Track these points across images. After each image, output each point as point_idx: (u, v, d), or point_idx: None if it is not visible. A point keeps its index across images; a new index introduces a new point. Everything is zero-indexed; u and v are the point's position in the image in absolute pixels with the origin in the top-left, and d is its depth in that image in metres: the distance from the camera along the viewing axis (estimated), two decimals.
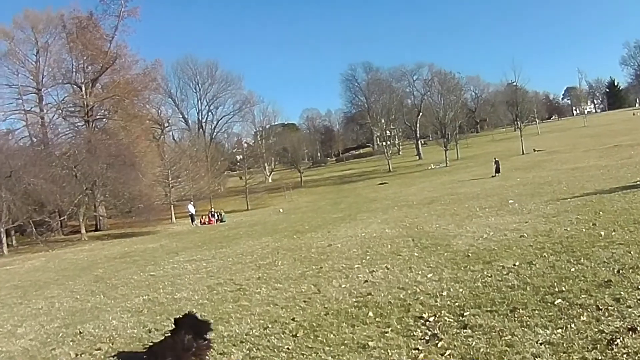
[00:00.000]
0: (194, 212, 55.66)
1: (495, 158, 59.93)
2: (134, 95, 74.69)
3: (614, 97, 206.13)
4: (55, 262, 31.82)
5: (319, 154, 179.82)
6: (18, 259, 38.36)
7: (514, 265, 12.24)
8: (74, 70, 73.57)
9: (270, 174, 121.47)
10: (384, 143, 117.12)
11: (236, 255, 21.64)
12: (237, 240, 29.60)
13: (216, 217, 56.91)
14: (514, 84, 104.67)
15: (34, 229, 48.99)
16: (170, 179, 67.10)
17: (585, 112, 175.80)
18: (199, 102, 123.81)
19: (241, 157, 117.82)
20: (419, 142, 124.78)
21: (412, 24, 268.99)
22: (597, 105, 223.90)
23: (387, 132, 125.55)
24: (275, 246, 23.09)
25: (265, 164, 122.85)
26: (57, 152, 57.61)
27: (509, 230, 17.55)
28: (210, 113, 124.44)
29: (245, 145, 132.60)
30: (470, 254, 14.28)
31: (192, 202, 60.06)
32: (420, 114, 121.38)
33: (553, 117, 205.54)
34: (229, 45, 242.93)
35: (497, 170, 55.94)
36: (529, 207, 23.40)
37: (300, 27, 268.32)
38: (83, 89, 72.41)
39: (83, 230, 53.27)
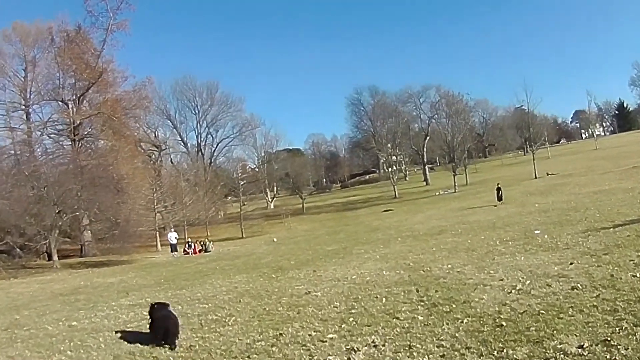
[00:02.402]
0: (174, 242, 50.59)
1: (498, 184, 53.28)
2: (122, 113, 70.55)
3: (624, 119, 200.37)
4: None
5: (324, 180, 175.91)
6: None
7: (582, 347, 7.77)
8: (61, 86, 70.02)
9: (272, 200, 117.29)
10: (390, 168, 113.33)
11: (189, 302, 17.11)
12: (208, 277, 25.05)
13: (200, 247, 51.97)
14: (523, 107, 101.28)
15: None
16: (155, 204, 62.47)
17: (595, 135, 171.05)
18: (198, 124, 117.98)
19: (244, 182, 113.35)
20: (426, 167, 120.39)
21: (419, 49, 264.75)
22: (606, 128, 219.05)
23: (394, 157, 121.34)
24: (243, 290, 18.45)
25: (267, 190, 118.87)
26: (27, 172, 53.21)
27: (550, 276, 12.96)
28: (209, 136, 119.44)
29: (249, 169, 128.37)
30: (503, 322, 9.59)
31: (173, 229, 55.03)
32: (428, 137, 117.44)
33: (562, 141, 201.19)
34: (231, 67, 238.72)
35: (500, 198, 50.09)
36: (564, 239, 18.87)
37: (304, 51, 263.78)
38: (69, 105, 68.76)
39: (55, 257, 48.67)
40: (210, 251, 49.76)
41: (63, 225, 49.94)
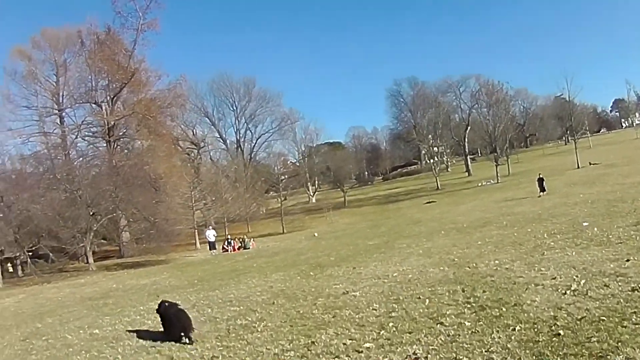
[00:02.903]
0: (213, 240, 49.66)
1: (539, 174, 51.35)
2: (158, 112, 69.99)
3: None
4: (26, 302, 27.03)
5: (365, 173, 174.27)
6: (1, 294, 33.71)
7: None
8: (93, 88, 69.79)
9: (313, 194, 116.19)
10: (432, 160, 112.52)
11: (220, 305, 16.15)
12: (244, 276, 24.03)
13: (239, 244, 51.00)
14: (563, 96, 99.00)
15: (28, 260, 45.50)
16: (193, 202, 61.73)
17: (635, 124, 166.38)
18: (237, 120, 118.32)
19: (285, 177, 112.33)
20: (468, 157, 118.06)
21: (457, 38, 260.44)
22: None
23: (435, 148, 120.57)
24: (279, 290, 17.47)
25: (309, 184, 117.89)
26: (59, 175, 52.83)
27: (607, 275, 11.80)
28: (248, 131, 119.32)
29: (290, 164, 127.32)
30: (560, 331, 8.47)
31: (211, 227, 53.92)
32: (469, 128, 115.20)
33: (602, 130, 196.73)
34: (268, 63, 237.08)
35: (542, 188, 48.45)
36: (615, 233, 17.64)
37: (343, 43, 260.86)
38: (103, 107, 68.48)
39: (90, 260, 48.31)
40: (249, 248, 49.01)
41: (100, 227, 49.54)
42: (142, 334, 13.16)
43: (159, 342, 11.98)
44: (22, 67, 67.61)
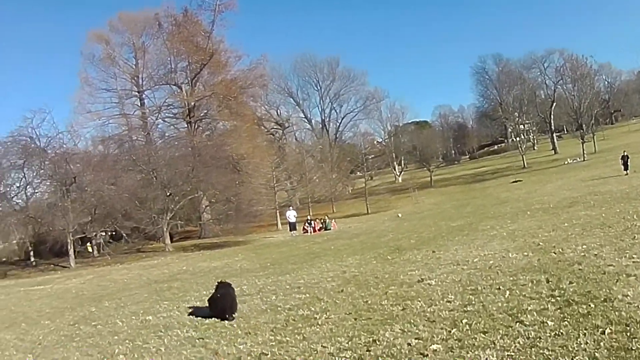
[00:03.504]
0: (293, 221, 48.84)
1: (624, 152, 48.80)
2: (239, 93, 69.83)
3: None
4: (90, 284, 27.17)
5: (452, 152, 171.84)
6: (70, 275, 34.56)
7: None
8: (172, 70, 70.35)
9: (400, 174, 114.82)
10: (518, 138, 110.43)
11: (286, 291, 15.22)
12: (318, 259, 23.14)
13: (320, 225, 50.07)
14: None
15: (102, 241, 46.82)
16: (275, 182, 61.15)
17: None
18: (321, 100, 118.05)
19: (371, 157, 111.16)
20: (554, 135, 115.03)
21: (540, 10, 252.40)
22: None
23: (521, 125, 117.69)
24: (351, 276, 16.36)
25: (395, 163, 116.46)
26: (135, 157, 53.05)
27: None
28: (333, 111, 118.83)
29: (377, 144, 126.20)
30: None
31: (291, 208, 53.15)
32: (554, 104, 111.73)
33: None
34: (351, 42, 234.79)
35: (626, 166, 46.22)
36: None
37: (427, 21, 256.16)
38: (183, 88, 68.73)
39: (167, 241, 48.64)
40: (330, 229, 48.07)
41: (180, 208, 49.66)
42: (195, 323, 12.50)
43: (208, 334, 11.26)
44: (100, 50, 69.16)
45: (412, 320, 9.68)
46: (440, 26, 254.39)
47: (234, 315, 12.34)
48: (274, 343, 9.76)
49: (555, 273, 11.69)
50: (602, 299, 9.03)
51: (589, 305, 8.77)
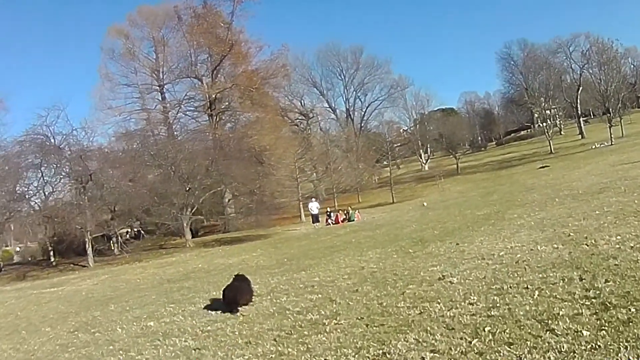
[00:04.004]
0: (316, 212, 47.77)
1: None
2: (260, 84, 68.96)
3: None
4: (102, 285, 26.91)
5: (479, 138, 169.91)
6: (86, 275, 34.54)
7: None
8: (193, 63, 69.86)
9: (426, 162, 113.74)
10: (545, 123, 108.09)
11: (299, 291, 14.34)
12: (338, 253, 22.18)
13: (344, 216, 49.07)
14: None
15: (119, 238, 47.09)
16: (298, 174, 60.16)
17: None
18: (346, 89, 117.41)
19: (398, 144, 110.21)
20: (581, 119, 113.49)
21: None
22: None
23: (547, 111, 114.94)
24: (369, 273, 15.31)
25: (421, 151, 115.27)
26: (152, 152, 52.37)
27: None
28: (358, 100, 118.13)
29: (403, 132, 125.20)
30: None
31: (314, 199, 51.91)
32: (580, 88, 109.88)
33: None
34: (375, 30, 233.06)
35: None
36: None
37: (449, 7, 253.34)
38: (204, 81, 68.05)
39: (188, 236, 48.17)
40: (353, 220, 46.96)
41: (202, 202, 49.10)
42: (196, 330, 11.71)
43: (206, 343, 10.43)
44: (120, 45, 69.38)
45: (429, 328, 8.56)
46: (464, 12, 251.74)
47: (239, 309, 12.60)
48: (274, 355, 8.77)
49: (588, 269, 10.47)
50: None
51: (629, 310, 7.57)
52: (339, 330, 9.48)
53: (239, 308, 12.65)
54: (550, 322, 7.73)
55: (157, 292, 19.35)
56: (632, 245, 11.90)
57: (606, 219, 16.73)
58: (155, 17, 69.83)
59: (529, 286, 10.06)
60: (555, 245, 13.71)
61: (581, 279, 9.82)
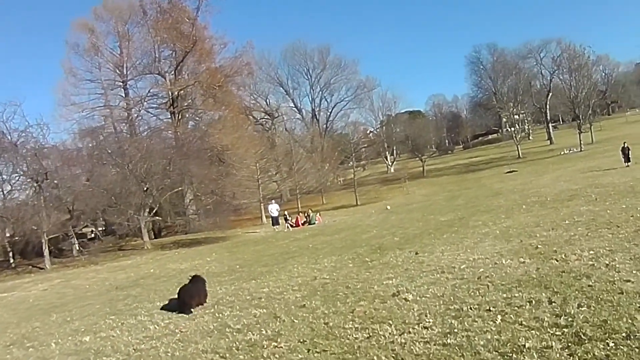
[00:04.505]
0: (276, 215, 46.48)
1: (624, 143, 46.23)
2: (224, 81, 67.94)
3: None
4: (51, 291, 25.92)
5: (446, 142, 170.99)
6: (40, 279, 33.27)
7: None
8: (156, 59, 68.56)
9: (392, 164, 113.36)
10: (513, 128, 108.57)
11: (244, 304, 13.27)
12: (292, 260, 21.33)
13: (304, 219, 48.17)
14: None
15: (75, 240, 44.86)
16: (259, 174, 58.87)
17: None
18: (312, 89, 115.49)
19: (364, 146, 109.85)
20: (550, 125, 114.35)
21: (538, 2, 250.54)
22: None
23: (516, 115, 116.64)
24: (320, 284, 14.24)
25: (387, 154, 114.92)
26: (109, 150, 51.06)
27: None
28: (324, 100, 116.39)
29: (369, 133, 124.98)
30: None
31: (274, 202, 50.39)
32: (550, 94, 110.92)
33: None
34: (343, 29, 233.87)
35: (627, 158, 43.96)
36: None
37: (420, 9, 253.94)
38: (167, 78, 66.84)
39: (146, 238, 46.95)
40: (314, 223, 45.98)
41: (158, 202, 48.04)
42: (129, 350, 10.66)
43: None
44: (85, 39, 67.69)
45: (375, 357, 7.40)
46: (434, 15, 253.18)
47: (192, 310, 13.06)
48: None
49: (559, 290, 9.38)
50: (624, 334, 6.74)
51: (607, 345, 6.47)
52: (276, 356, 8.35)
53: (192, 310, 13.04)
54: (514, 355, 6.61)
55: (102, 301, 18.34)
56: (607, 262, 10.88)
57: (577, 230, 15.84)
58: (120, 11, 68.33)
59: (491, 308, 8.96)
60: (522, 259, 12.69)
61: (550, 302, 8.72)
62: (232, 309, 12.70)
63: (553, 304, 8.62)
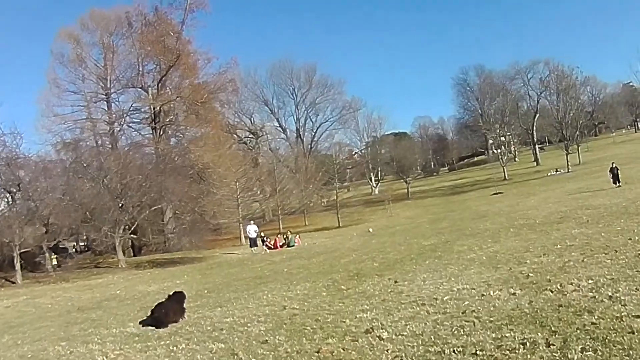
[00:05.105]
0: (254, 236, 45.04)
1: (613, 163, 45.54)
2: (207, 98, 67.13)
3: None
4: (13, 309, 24.47)
5: (432, 163, 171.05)
6: (7, 294, 31.41)
7: None
8: (140, 72, 68.02)
9: (376, 186, 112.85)
10: (499, 149, 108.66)
11: (203, 337, 11.93)
12: (264, 286, 20.05)
13: (283, 241, 46.71)
14: (631, 84, 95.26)
15: (47, 255, 43.05)
16: (239, 193, 57.70)
17: None
18: (297, 108, 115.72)
19: (349, 167, 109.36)
20: (536, 146, 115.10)
21: (524, 22, 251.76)
22: None
23: (502, 137, 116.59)
24: (288, 315, 13.00)
25: (372, 175, 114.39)
26: (85, 163, 50.00)
27: None
28: (309, 120, 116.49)
29: (355, 154, 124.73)
30: None
31: (252, 222, 48.91)
32: (537, 115, 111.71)
33: None
34: (330, 50, 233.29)
35: (616, 179, 43.08)
36: None
37: (408, 31, 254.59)
38: (150, 92, 65.98)
39: (120, 256, 45.41)
40: (293, 245, 44.63)
41: (134, 220, 47.00)
42: None
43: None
44: (70, 50, 66.75)
45: None
46: (421, 36, 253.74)
47: (168, 326, 13.33)
48: None
49: (557, 328, 8.06)
50: None
51: None
52: None
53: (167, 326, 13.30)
54: None
55: (59, 323, 17.27)
56: (609, 293, 9.62)
57: (571, 255, 14.69)
58: (106, 22, 67.76)
59: (478, 352, 7.64)
60: (512, 290, 11.42)
61: (548, 344, 7.41)
62: (189, 342, 11.51)
63: (552, 346, 7.31)
